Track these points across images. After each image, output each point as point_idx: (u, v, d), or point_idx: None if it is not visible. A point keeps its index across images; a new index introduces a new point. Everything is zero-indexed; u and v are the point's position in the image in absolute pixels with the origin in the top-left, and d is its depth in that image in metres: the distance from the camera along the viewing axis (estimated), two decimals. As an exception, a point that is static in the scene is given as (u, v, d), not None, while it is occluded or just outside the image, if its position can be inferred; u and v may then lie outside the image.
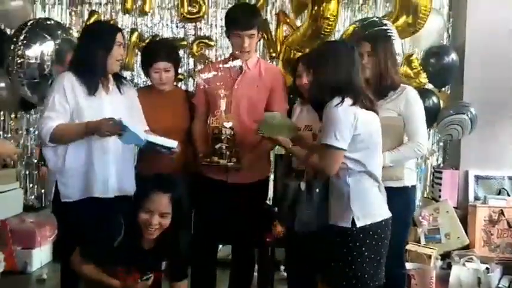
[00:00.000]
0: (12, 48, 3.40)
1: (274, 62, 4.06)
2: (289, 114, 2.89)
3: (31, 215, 4.09)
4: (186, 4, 4.26)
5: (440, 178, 4.09)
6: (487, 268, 3.52)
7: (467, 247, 3.78)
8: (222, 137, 2.67)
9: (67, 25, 4.23)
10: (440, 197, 4.04)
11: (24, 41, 3.37)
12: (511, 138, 4.06)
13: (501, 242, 3.80)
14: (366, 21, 3.66)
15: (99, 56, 2.60)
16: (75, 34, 3.99)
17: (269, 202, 3.30)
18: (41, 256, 4.02)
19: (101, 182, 2.60)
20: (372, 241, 2.27)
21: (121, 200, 2.65)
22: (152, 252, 2.44)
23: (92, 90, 2.60)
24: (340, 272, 2.29)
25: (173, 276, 2.53)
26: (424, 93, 2.83)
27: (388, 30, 3.38)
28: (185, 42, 4.34)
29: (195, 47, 4.32)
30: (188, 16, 4.29)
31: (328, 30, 3.46)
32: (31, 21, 3.51)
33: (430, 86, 4.10)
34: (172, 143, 2.60)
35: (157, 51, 2.95)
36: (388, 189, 2.42)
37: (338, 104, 2.23)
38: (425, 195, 4.36)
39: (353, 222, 2.26)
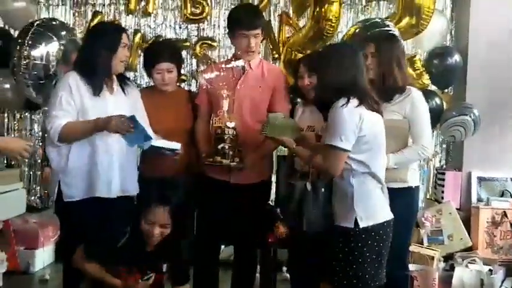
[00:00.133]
0: (18, 48, 3.40)
1: (276, 63, 4.06)
2: (291, 115, 2.89)
3: (34, 216, 4.10)
4: (189, 5, 4.26)
5: (443, 179, 4.08)
6: (490, 270, 3.51)
7: (470, 249, 3.77)
8: (225, 137, 2.68)
9: (70, 26, 4.24)
10: (443, 198, 4.04)
11: (30, 42, 3.38)
12: (514, 139, 4.06)
13: (504, 244, 3.79)
14: (368, 22, 3.66)
15: (103, 56, 2.62)
16: (79, 35, 4.00)
17: (271, 203, 3.29)
18: (43, 256, 4.02)
19: (104, 182, 2.61)
20: (374, 242, 2.28)
21: (123, 200, 2.65)
22: (154, 254, 2.45)
23: (96, 90, 2.61)
24: (341, 271, 2.29)
25: (175, 279, 2.55)
26: (427, 95, 2.83)
27: (390, 31, 3.38)
28: (188, 43, 4.35)
29: (198, 48, 4.33)
30: (191, 17, 4.30)
31: (330, 32, 3.46)
32: (37, 22, 3.52)
33: (432, 87, 4.10)
34: (176, 145, 2.61)
35: (159, 52, 2.95)
36: (392, 190, 2.42)
37: (343, 104, 2.23)
38: (428, 197, 4.35)
39: (356, 223, 2.26)
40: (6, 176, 3.29)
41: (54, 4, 4.40)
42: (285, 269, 3.62)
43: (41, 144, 4.18)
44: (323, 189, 2.36)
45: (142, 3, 4.33)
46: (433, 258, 3.50)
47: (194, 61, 4.40)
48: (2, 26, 4.14)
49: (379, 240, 2.29)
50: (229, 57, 3.13)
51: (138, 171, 2.82)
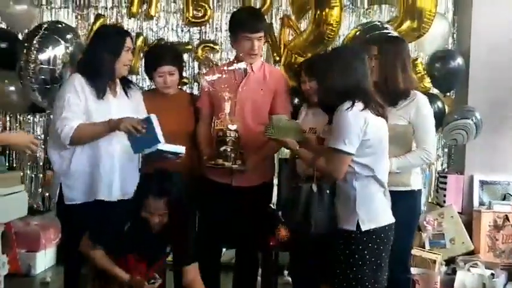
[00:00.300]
0: (25, 52, 3.38)
1: (277, 66, 4.06)
2: (293, 117, 2.89)
3: (36, 218, 4.10)
4: (191, 8, 4.27)
5: (445, 183, 4.07)
6: (492, 274, 3.50)
7: (472, 252, 3.76)
8: (227, 140, 2.68)
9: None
10: (444, 202, 4.03)
11: (37, 46, 3.36)
12: (517, 143, 4.05)
13: (506, 248, 3.78)
14: (368, 25, 3.67)
15: (107, 60, 2.63)
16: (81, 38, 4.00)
17: (273, 206, 3.29)
18: (45, 259, 4.03)
19: (106, 185, 2.62)
20: (375, 245, 2.28)
21: (125, 203, 2.65)
22: (159, 236, 2.46)
23: (100, 93, 2.62)
24: (342, 274, 2.29)
25: (182, 260, 2.53)
26: (429, 98, 2.81)
27: (389, 34, 3.38)
28: (190, 46, 4.35)
29: (200, 51, 4.33)
30: (193, 20, 4.30)
31: (331, 36, 3.46)
32: (45, 25, 3.49)
33: (434, 91, 4.10)
34: (181, 149, 2.61)
35: (161, 55, 2.95)
36: (394, 193, 2.42)
37: (348, 108, 2.23)
38: (429, 200, 4.34)
39: (358, 226, 2.26)
40: (8, 178, 3.28)
41: (56, 7, 4.42)
42: (286, 272, 3.62)
43: (43, 146, 4.18)
44: (328, 191, 2.36)
45: (145, 7, 4.34)
46: (435, 262, 3.50)
47: (196, 64, 4.40)
48: (7, 28, 4.14)
49: (380, 244, 2.29)
50: (231, 60, 3.13)
51: (140, 173, 2.81)
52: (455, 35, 4.33)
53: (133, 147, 2.58)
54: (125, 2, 4.36)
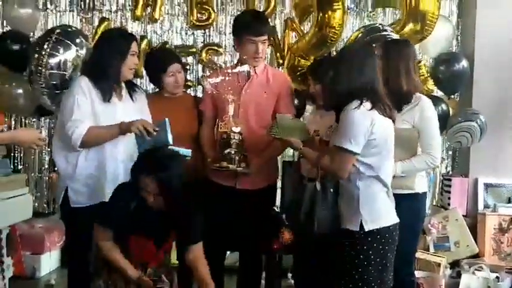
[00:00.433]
0: (36, 57, 3.38)
1: (280, 69, 4.06)
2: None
3: (40, 221, 4.11)
4: (195, 11, 4.27)
5: (450, 186, 4.06)
6: (497, 277, 3.49)
7: (476, 256, 3.75)
8: (231, 142, 2.69)
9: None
10: (449, 204, 4.01)
11: (49, 50, 3.35)
12: (521, 146, 4.03)
13: (511, 251, 3.76)
14: (369, 27, 3.67)
15: (113, 64, 2.64)
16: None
17: (276, 209, 3.29)
18: (49, 262, 4.04)
19: (111, 188, 2.60)
20: (379, 245, 2.27)
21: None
22: (163, 216, 2.40)
23: (106, 96, 2.63)
24: (346, 274, 2.29)
25: (189, 239, 2.49)
26: (432, 101, 2.81)
27: (388, 36, 3.38)
28: (194, 49, 4.36)
29: (204, 54, 4.34)
30: (197, 23, 4.31)
31: (333, 39, 3.46)
32: (57, 30, 3.48)
33: (439, 93, 4.09)
34: (187, 152, 2.61)
35: (168, 55, 3.03)
36: (399, 196, 2.42)
37: (356, 107, 2.22)
38: (434, 203, 4.33)
39: (361, 226, 2.26)
40: (13, 181, 3.30)
41: (61, 10, 4.44)
42: (290, 275, 3.61)
43: (48, 149, 4.20)
44: (331, 190, 2.36)
45: (149, 10, 4.35)
46: (439, 265, 3.49)
47: (200, 67, 4.41)
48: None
49: (385, 244, 2.28)
50: (234, 63, 3.14)
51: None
52: (459, 38, 4.33)
53: (140, 149, 2.58)
54: (129, 5, 4.38)
